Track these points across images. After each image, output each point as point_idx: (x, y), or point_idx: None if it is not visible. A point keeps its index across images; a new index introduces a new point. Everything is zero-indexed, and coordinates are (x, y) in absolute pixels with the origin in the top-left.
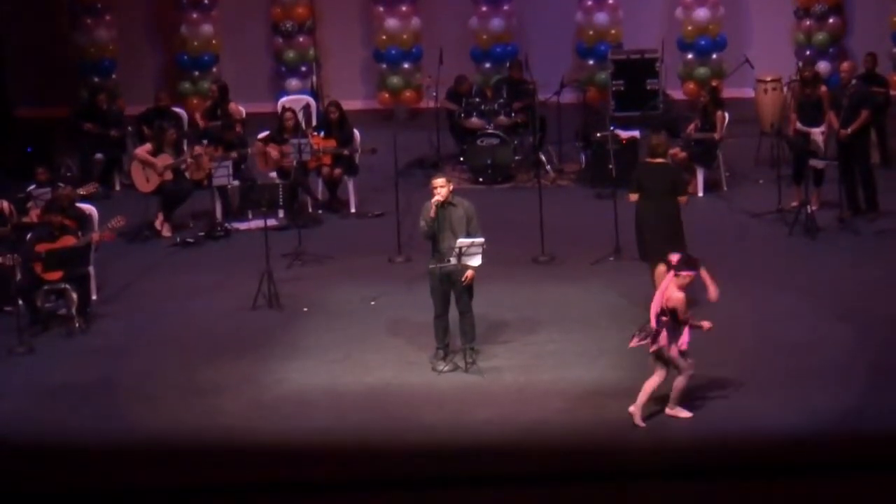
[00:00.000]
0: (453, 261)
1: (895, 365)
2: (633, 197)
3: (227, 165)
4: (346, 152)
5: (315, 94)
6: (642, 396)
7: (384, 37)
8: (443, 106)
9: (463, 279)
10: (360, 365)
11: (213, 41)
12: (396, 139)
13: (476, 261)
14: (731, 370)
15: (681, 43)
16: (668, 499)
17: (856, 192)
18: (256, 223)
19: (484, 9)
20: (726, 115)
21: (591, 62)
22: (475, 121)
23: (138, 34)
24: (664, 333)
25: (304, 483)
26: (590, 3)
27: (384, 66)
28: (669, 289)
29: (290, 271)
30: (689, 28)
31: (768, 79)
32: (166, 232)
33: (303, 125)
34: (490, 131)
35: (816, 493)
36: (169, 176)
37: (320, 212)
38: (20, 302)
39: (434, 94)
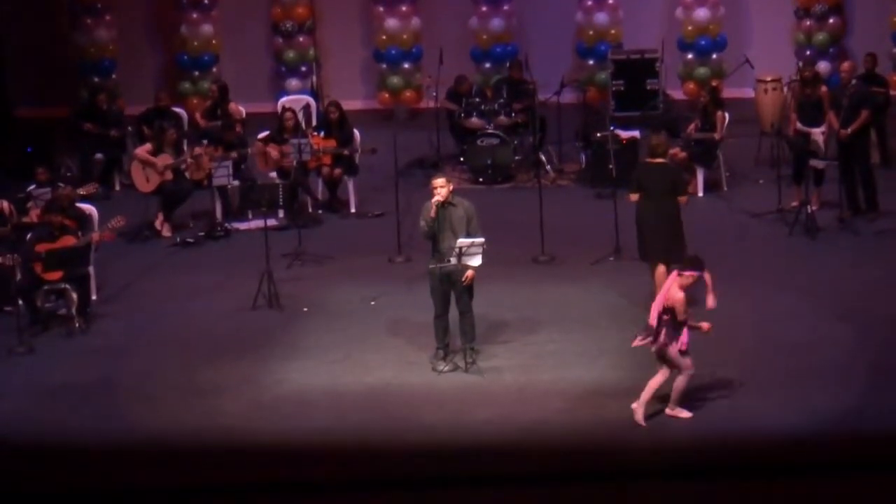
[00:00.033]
0: (453, 261)
1: (895, 365)
2: (634, 197)
3: (227, 165)
4: (346, 152)
5: (315, 94)
6: (646, 394)
7: (384, 37)
8: (443, 106)
9: (463, 279)
10: (360, 365)
11: (213, 41)
12: (396, 139)
13: (476, 261)
14: (731, 370)
15: (681, 43)
16: (668, 499)
17: (856, 192)
18: (256, 223)
19: (484, 9)
20: (726, 115)
21: (591, 62)
22: (475, 121)
23: (138, 34)
24: (664, 332)
25: (304, 483)
26: (590, 3)
27: (384, 66)
28: (672, 288)
29: (290, 271)
30: (690, 28)
31: (768, 79)
32: (166, 232)
33: (303, 125)
34: (490, 131)
35: (816, 493)
36: (169, 176)
37: (320, 212)
38: (20, 302)
39: (434, 94)
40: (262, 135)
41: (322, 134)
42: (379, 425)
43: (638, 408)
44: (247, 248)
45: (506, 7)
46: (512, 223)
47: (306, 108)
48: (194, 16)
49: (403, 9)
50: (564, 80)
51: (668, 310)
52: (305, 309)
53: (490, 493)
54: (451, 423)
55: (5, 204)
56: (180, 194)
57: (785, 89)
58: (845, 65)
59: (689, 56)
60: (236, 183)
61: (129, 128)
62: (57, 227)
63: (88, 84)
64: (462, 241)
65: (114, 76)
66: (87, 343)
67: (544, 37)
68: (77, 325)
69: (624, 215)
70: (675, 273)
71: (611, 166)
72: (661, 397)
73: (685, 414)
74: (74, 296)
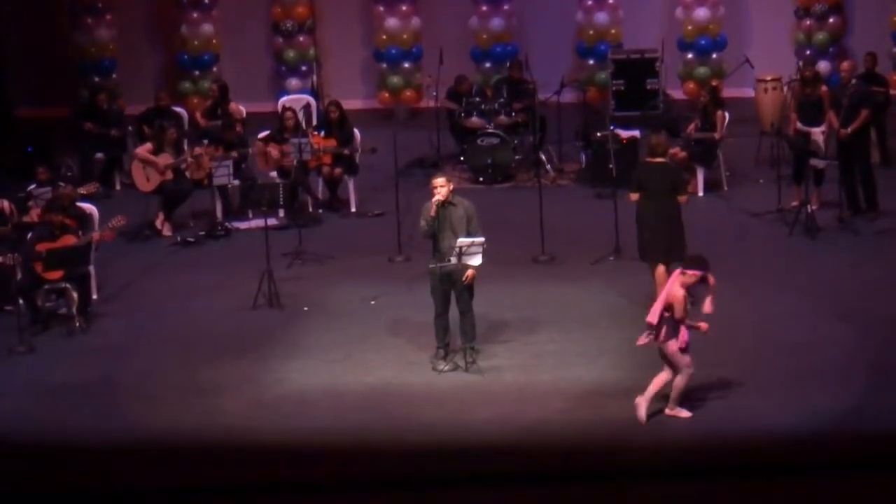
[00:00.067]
0: (453, 260)
1: (895, 365)
2: (634, 197)
3: (228, 165)
4: (346, 152)
5: (315, 93)
6: (651, 388)
7: (384, 36)
8: (443, 105)
9: (463, 279)
10: (361, 364)
11: (214, 41)
12: (396, 139)
13: (476, 260)
14: (731, 370)
15: (681, 43)
16: (668, 499)
17: (856, 191)
18: (257, 222)
19: (484, 8)
20: (726, 114)
21: (591, 62)
22: (475, 120)
23: (139, 34)
24: (664, 330)
25: (304, 483)
26: (590, 2)
27: (384, 65)
28: (674, 286)
29: (290, 271)
30: (690, 28)
31: (768, 78)
32: (167, 231)
33: (303, 125)
34: (490, 131)
35: (816, 493)
36: (169, 175)
37: (320, 211)
38: (21, 301)
39: (434, 93)
40: (262, 134)
41: (322, 133)
42: (379, 425)
43: (641, 402)
44: (247, 248)
45: (506, 7)
46: (512, 223)
47: (306, 107)
48: (195, 15)
49: (403, 8)
50: (564, 79)
51: (669, 307)
52: (306, 308)
53: (490, 493)
54: (452, 423)
55: (6, 203)
56: (181, 194)
57: (785, 89)
58: (845, 64)
59: (689, 56)
60: (237, 182)
61: (130, 127)
62: (57, 226)
63: (89, 84)
64: (462, 241)
65: (114, 76)
66: (88, 342)
67: (544, 36)
68: (77, 324)
69: (624, 215)
70: (678, 271)
71: (611, 166)
72: (662, 397)
73: (685, 414)
74: (75, 295)
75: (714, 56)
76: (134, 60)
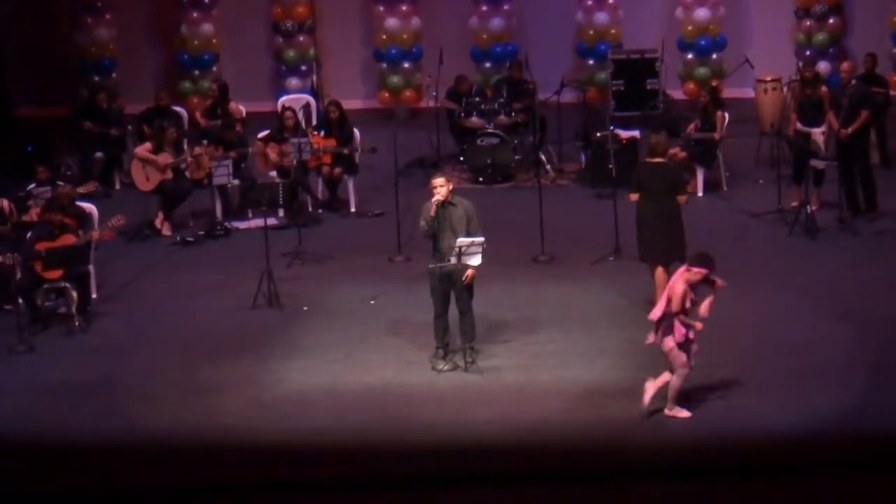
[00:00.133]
0: (453, 260)
1: (895, 365)
2: (634, 197)
3: (227, 164)
4: (346, 151)
5: (315, 93)
6: (663, 377)
7: (384, 36)
8: (443, 105)
9: (463, 278)
10: (360, 364)
11: (214, 40)
12: (396, 139)
13: (476, 260)
14: (731, 370)
15: (681, 43)
16: (668, 499)
17: (855, 192)
18: (256, 222)
19: (484, 8)
20: (726, 115)
21: (591, 62)
22: (475, 120)
23: (138, 33)
24: (663, 326)
25: (304, 483)
26: (590, 2)
27: (384, 65)
28: (676, 282)
29: (289, 270)
30: (690, 28)
31: (768, 79)
32: (166, 231)
33: (303, 124)
34: (490, 131)
35: (816, 493)
36: (169, 175)
37: (320, 211)
38: (20, 300)
39: (434, 93)
40: (262, 134)
41: (322, 133)
42: (379, 425)
43: (650, 387)
44: (247, 247)
45: (506, 7)
46: (512, 223)
47: (306, 107)
48: (195, 15)
49: (403, 8)
50: (564, 79)
51: (669, 301)
52: (305, 308)
53: (490, 493)
54: (451, 423)
55: (6, 202)
56: (180, 193)
57: (785, 89)
58: (845, 65)
59: (689, 56)
60: (236, 182)
61: (130, 127)
62: (57, 225)
63: (89, 83)
64: (462, 241)
65: (114, 75)
66: (87, 342)
67: (544, 36)
68: (77, 323)
69: (624, 215)
70: (684, 267)
71: (611, 166)
72: (663, 396)
73: (684, 414)
74: (74, 294)
75: (714, 56)
76: (134, 60)
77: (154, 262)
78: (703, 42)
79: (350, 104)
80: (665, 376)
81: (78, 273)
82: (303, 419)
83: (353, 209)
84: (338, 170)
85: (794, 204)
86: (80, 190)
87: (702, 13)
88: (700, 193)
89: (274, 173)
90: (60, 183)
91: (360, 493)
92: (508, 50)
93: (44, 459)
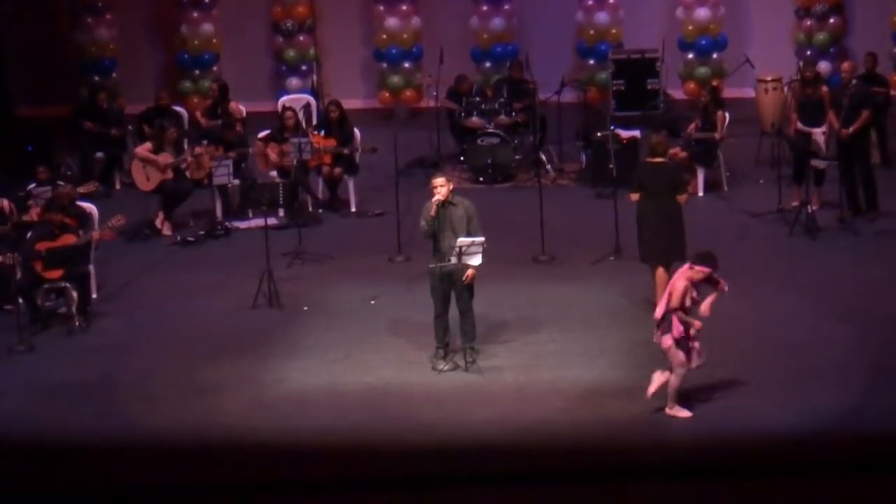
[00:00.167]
0: (454, 260)
1: (895, 365)
2: (634, 196)
3: (228, 164)
4: (346, 151)
5: (315, 93)
6: (667, 374)
7: (384, 36)
8: (443, 105)
9: (464, 278)
10: (361, 364)
11: (214, 40)
12: (397, 138)
13: (476, 260)
14: (731, 370)
15: (681, 43)
16: (668, 499)
17: (856, 192)
18: (257, 222)
19: (484, 8)
20: (727, 114)
21: (591, 62)
22: (475, 120)
23: (139, 33)
24: (664, 324)
25: (304, 482)
26: (590, 2)
27: (384, 65)
28: (678, 279)
29: (290, 270)
30: (690, 28)
31: (769, 78)
32: (166, 231)
33: (303, 124)
34: (490, 131)
35: (816, 493)
36: (169, 174)
37: (320, 211)
38: (20, 300)
39: (434, 93)
40: (262, 134)
41: (322, 133)
42: (379, 425)
43: (657, 378)
44: (247, 247)
45: (506, 6)
46: (512, 223)
47: (307, 107)
48: (195, 15)
49: (404, 8)
50: (565, 79)
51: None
52: (305, 308)
53: (490, 493)
54: (451, 423)
55: (6, 202)
56: (181, 193)
57: (785, 89)
58: (846, 65)
59: (690, 56)
60: (236, 182)
61: (130, 127)
62: (57, 225)
63: (89, 83)
64: (462, 241)
65: (114, 75)
66: (88, 341)
67: (545, 36)
68: (77, 323)
69: (624, 215)
70: (687, 265)
71: (611, 166)
72: (663, 396)
73: (685, 413)
74: (74, 294)
75: (714, 56)
76: (134, 60)
77: (154, 262)
78: (703, 42)
79: (350, 104)
80: (668, 374)
81: (78, 273)
82: (303, 419)
83: (353, 209)
84: (338, 170)
85: (795, 204)
86: (81, 190)
87: (702, 13)
88: (700, 193)
89: (274, 173)
90: (60, 183)
91: (360, 493)
92: (509, 50)
93: (44, 459)
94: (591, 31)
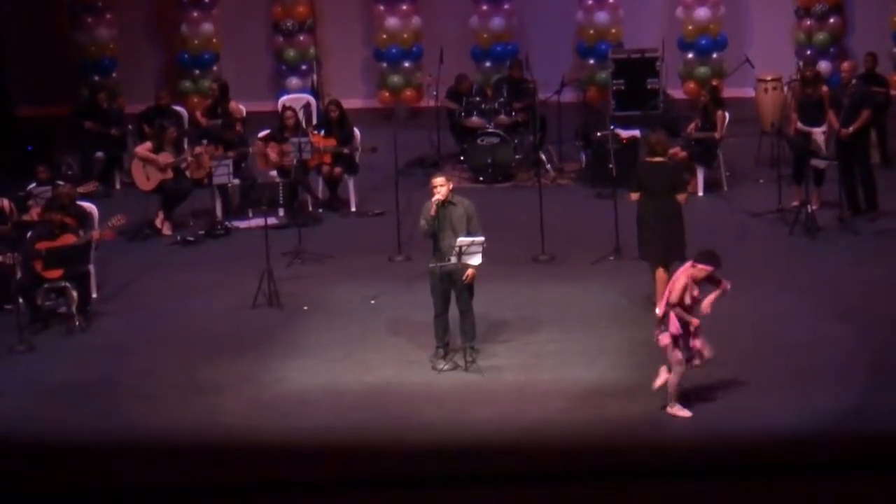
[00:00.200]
0: (453, 259)
1: (895, 365)
2: (634, 196)
3: (228, 164)
4: (346, 151)
5: (315, 92)
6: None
7: (384, 36)
8: (443, 105)
9: (464, 278)
10: (361, 364)
11: (214, 40)
12: (397, 138)
13: (476, 260)
14: (731, 370)
15: (681, 42)
16: (668, 499)
17: (856, 191)
18: (257, 222)
19: (484, 8)
20: (727, 114)
21: (591, 61)
22: (475, 120)
23: (139, 33)
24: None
25: (304, 482)
26: (590, 2)
27: (384, 64)
28: (679, 277)
29: (290, 270)
30: (690, 27)
31: (769, 78)
32: (166, 230)
33: (303, 124)
34: (490, 130)
35: (816, 493)
36: (169, 174)
37: (320, 210)
38: (20, 300)
39: (434, 93)
40: (262, 133)
41: (322, 132)
42: (379, 424)
43: (666, 371)
44: (247, 247)
45: (506, 6)
46: (512, 222)
47: (307, 106)
48: (195, 14)
49: (404, 8)
50: (565, 79)
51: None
52: (305, 307)
53: (490, 493)
54: (451, 422)
55: (6, 202)
56: (181, 193)
57: (785, 89)
58: (846, 64)
59: (690, 55)
60: (236, 181)
61: (130, 126)
62: (57, 225)
63: (89, 83)
64: (462, 240)
65: (114, 75)
66: (87, 341)
67: (545, 36)
68: (77, 323)
69: (624, 215)
70: (689, 263)
71: (611, 166)
72: (664, 395)
73: (685, 413)
74: (74, 294)
75: (714, 56)
76: (134, 59)
77: (154, 262)
78: (703, 41)
79: (350, 103)
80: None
81: (78, 273)
82: (303, 418)
83: (353, 209)
84: (338, 169)
85: (795, 203)
86: (81, 189)
87: (702, 12)
88: (700, 193)
89: (274, 173)
90: (61, 182)
91: (360, 492)
92: (509, 49)
93: (44, 459)
94: (591, 31)
